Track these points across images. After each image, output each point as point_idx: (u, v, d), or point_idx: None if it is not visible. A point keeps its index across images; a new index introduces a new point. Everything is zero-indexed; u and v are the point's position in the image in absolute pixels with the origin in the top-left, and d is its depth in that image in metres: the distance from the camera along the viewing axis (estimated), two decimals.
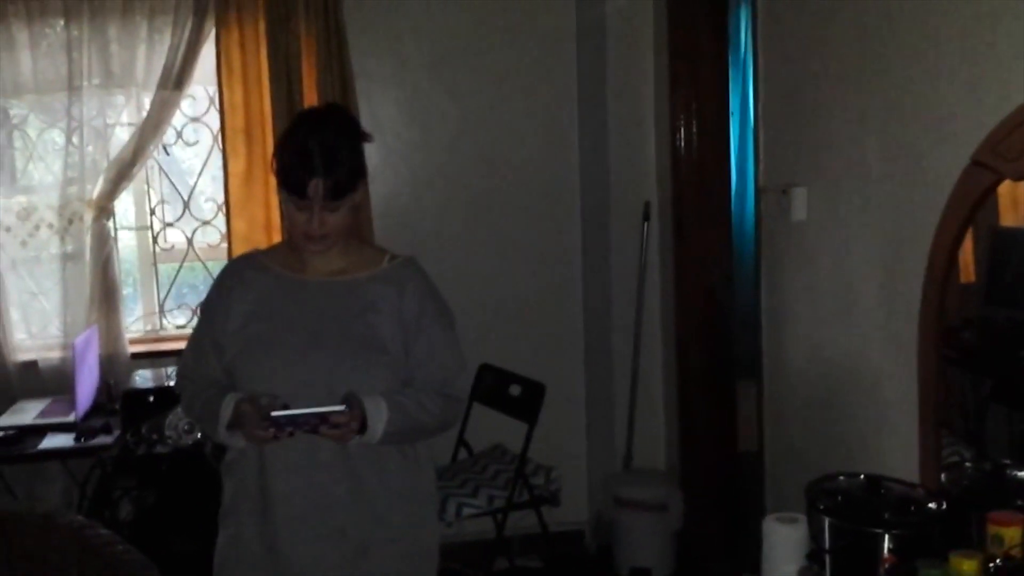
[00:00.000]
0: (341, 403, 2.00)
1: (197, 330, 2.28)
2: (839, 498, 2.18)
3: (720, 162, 4.01)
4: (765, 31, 3.18)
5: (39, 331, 3.99)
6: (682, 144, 3.96)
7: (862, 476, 2.24)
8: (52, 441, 3.42)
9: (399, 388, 2.14)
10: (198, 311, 2.33)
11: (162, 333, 4.26)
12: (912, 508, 2.09)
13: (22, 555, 2.51)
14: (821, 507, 2.12)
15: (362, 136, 2.15)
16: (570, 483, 4.01)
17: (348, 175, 2.05)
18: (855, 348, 2.71)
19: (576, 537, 4.28)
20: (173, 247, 4.25)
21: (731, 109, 4.09)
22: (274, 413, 1.94)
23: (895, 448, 2.48)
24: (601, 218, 4.20)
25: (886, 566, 1.95)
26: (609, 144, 4.17)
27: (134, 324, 4.22)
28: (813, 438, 3.01)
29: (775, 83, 3.14)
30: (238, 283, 2.19)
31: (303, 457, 2.08)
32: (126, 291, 4.15)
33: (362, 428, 2.03)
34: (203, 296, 2.42)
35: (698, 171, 3.97)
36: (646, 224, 4.20)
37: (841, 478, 2.28)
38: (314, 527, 2.10)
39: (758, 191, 3.29)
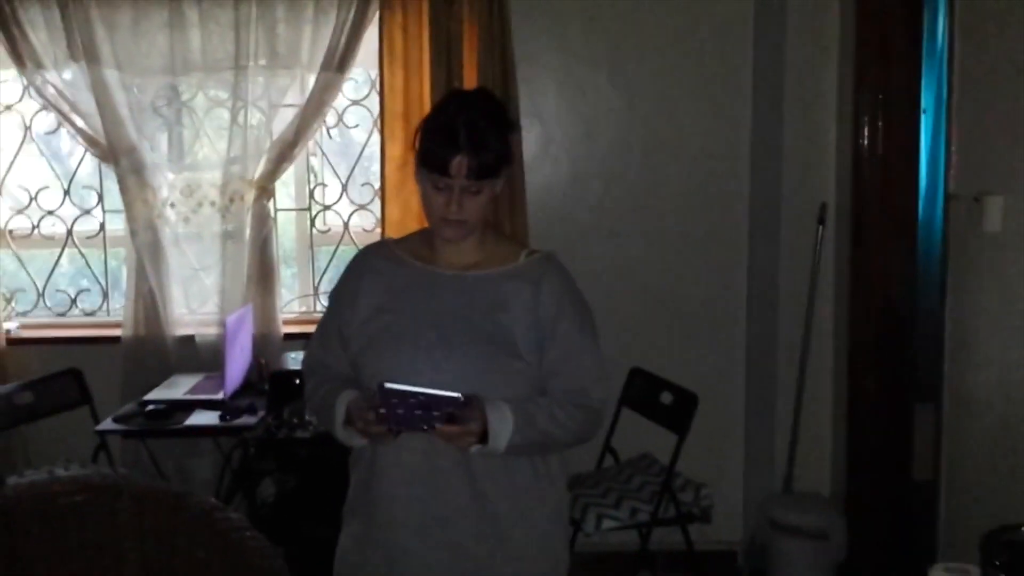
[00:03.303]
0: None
1: (324, 319, 2.20)
2: (1022, 553, 1.90)
3: (908, 164, 3.68)
4: (963, 20, 2.87)
5: (198, 307, 4.05)
6: (866, 143, 3.66)
7: None
8: (198, 418, 3.43)
9: (530, 395, 1.98)
10: (328, 299, 2.24)
11: (316, 315, 4.26)
12: None
13: (154, 532, 2.52)
14: (998, 563, 1.85)
15: (510, 124, 2.03)
16: (724, 500, 3.80)
17: (493, 157, 1.94)
18: None
19: (728, 558, 4.04)
20: (330, 230, 4.24)
21: (923, 106, 3.73)
22: (387, 385, 1.80)
23: None
24: (772, 219, 3.93)
25: None
26: (784, 139, 3.89)
27: (289, 305, 4.24)
28: (996, 474, 2.70)
29: (972, 78, 2.84)
30: (367, 272, 2.10)
31: (421, 461, 1.95)
32: (284, 272, 4.17)
33: (484, 437, 1.88)
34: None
35: (883, 172, 3.66)
36: (821, 228, 3.89)
37: None
38: (430, 537, 1.97)
39: (947, 197, 2.98)
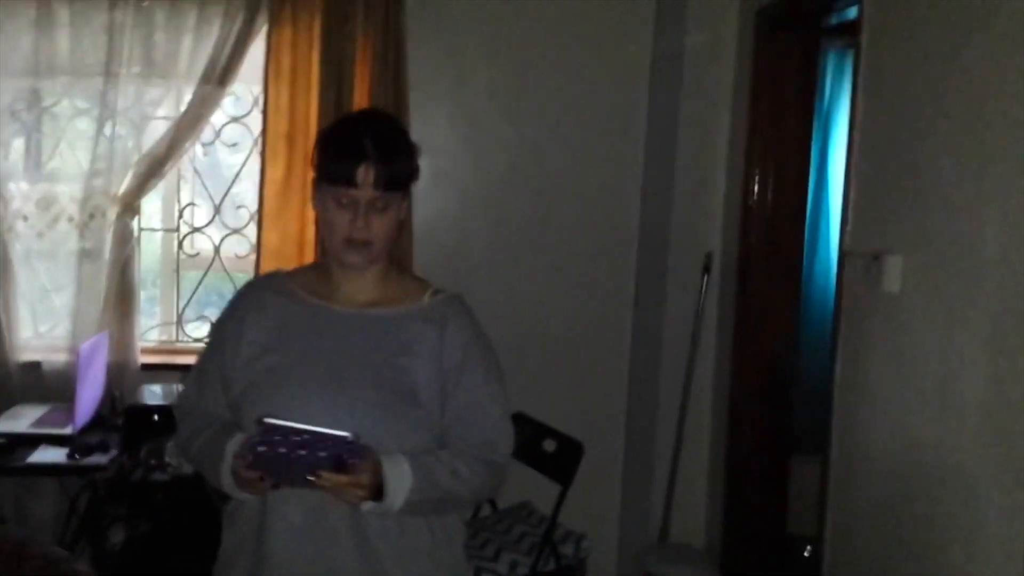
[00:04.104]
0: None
1: (204, 357, 1.98)
2: None
3: (795, 217, 3.71)
4: (868, 74, 2.87)
5: (47, 330, 3.74)
6: (755, 194, 3.65)
7: None
8: (43, 455, 3.13)
9: (429, 447, 1.83)
10: (209, 335, 2.03)
11: (178, 345, 3.99)
12: None
13: None
14: None
15: (413, 143, 1.92)
16: (599, 550, 3.68)
17: (401, 168, 1.82)
18: (948, 445, 2.36)
19: None
20: (199, 254, 3.98)
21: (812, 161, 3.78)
22: (268, 419, 1.61)
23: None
24: (658, 265, 3.88)
25: None
26: (675, 186, 3.85)
27: (149, 332, 3.96)
28: (884, 541, 2.66)
29: (874, 133, 2.82)
30: (253, 307, 1.90)
31: (308, 518, 1.76)
32: (145, 296, 3.88)
33: (379, 493, 1.71)
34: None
35: (770, 225, 3.67)
36: (706, 277, 3.87)
37: None
38: None
39: (841, 254, 2.96)
